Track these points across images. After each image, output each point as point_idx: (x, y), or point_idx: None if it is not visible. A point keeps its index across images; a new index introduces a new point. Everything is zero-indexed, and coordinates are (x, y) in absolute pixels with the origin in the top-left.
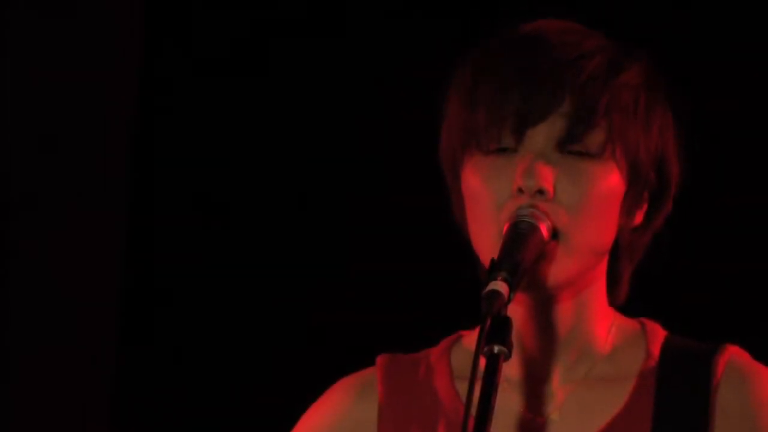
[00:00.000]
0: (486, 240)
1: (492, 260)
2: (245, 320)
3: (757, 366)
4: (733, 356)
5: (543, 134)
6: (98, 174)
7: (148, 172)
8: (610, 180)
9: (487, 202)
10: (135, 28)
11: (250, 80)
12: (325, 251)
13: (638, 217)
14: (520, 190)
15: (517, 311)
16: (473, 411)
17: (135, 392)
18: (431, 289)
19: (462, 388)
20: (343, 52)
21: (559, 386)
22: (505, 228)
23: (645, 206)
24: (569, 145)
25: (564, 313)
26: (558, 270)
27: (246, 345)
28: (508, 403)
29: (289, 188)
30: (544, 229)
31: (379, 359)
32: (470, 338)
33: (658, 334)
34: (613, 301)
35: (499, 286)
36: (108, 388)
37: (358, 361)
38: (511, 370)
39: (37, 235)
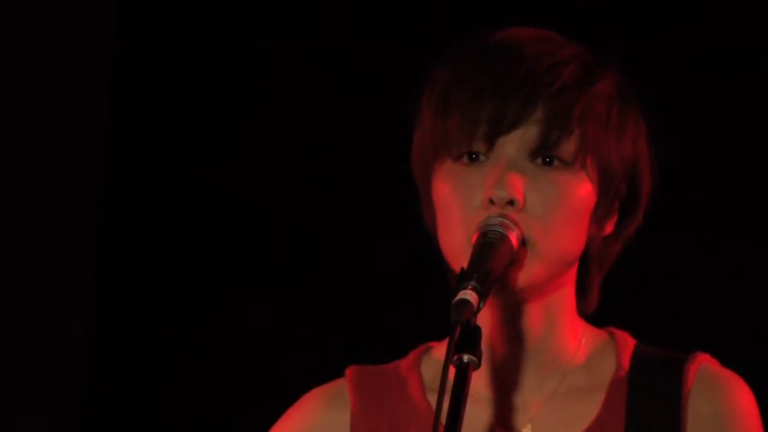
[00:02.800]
0: (455, 248)
1: (462, 269)
2: (215, 326)
3: (727, 373)
4: (704, 364)
5: (515, 142)
6: (69, 176)
7: (118, 182)
8: (581, 190)
9: (457, 210)
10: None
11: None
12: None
13: (609, 227)
14: (491, 201)
15: (485, 317)
16: (443, 420)
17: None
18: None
19: (433, 399)
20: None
21: (530, 399)
22: (474, 237)
23: (615, 216)
24: (541, 154)
25: (532, 318)
26: (526, 274)
27: (215, 352)
28: (479, 416)
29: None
30: (514, 239)
31: (348, 371)
32: (440, 349)
33: (628, 343)
34: (582, 310)
35: (469, 295)
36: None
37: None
38: (482, 383)
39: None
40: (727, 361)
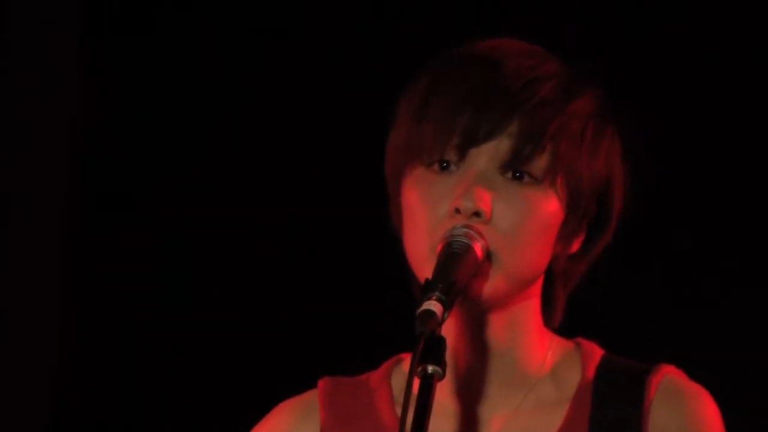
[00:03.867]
0: (419, 255)
1: (426, 280)
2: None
3: (691, 385)
4: (667, 376)
5: (487, 155)
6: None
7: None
8: (549, 207)
9: (423, 218)
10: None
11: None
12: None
13: (575, 246)
14: (457, 211)
15: (449, 329)
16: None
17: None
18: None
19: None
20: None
21: (495, 412)
22: (439, 247)
23: (583, 235)
24: (511, 169)
25: (497, 330)
26: (489, 287)
27: (191, 357)
28: (446, 429)
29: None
30: (479, 249)
31: (321, 383)
32: (409, 361)
33: (595, 353)
34: (548, 324)
35: (433, 305)
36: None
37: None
38: (447, 395)
39: None
40: (697, 375)
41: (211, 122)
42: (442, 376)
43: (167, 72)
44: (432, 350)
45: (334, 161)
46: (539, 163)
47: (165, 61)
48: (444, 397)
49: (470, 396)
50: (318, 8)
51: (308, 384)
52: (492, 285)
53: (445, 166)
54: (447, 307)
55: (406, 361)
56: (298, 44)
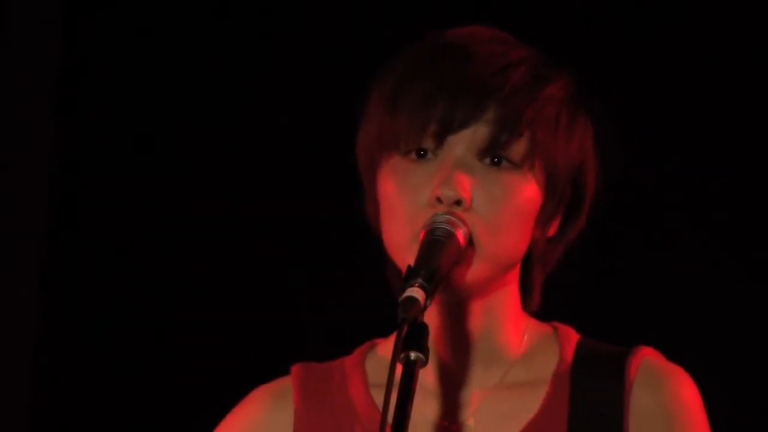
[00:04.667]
0: (400, 244)
1: (409, 267)
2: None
3: (670, 366)
4: (647, 357)
5: (464, 142)
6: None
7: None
8: (528, 192)
9: (402, 207)
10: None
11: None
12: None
13: (552, 229)
14: (438, 200)
15: (430, 314)
16: (390, 419)
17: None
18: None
19: (377, 395)
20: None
21: (473, 392)
22: (421, 235)
23: (559, 219)
24: (489, 154)
25: (475, 315)
26: (470, 274)
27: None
28: (424, 411)
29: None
30: (461, 236)
31: (294, 368)
32: (385, 346)
33: (572, 337)
34: (526, 308)
35: (416, 292)
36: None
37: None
38: (426, 377)
39: None
40: (677, 356)
41: (210, 122)
42: (424, 363)
43: (167, 72)
44: (415, 337)
45: (334, 161)
46: (517, 149)
47: (164, 60)
48: (423, 378)
49: (448, 378)
50: (318, 8)
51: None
52: (474, 272)
53: (422, 154)
54: (429, 294)
55: (380, 345)
56: (297, 43)
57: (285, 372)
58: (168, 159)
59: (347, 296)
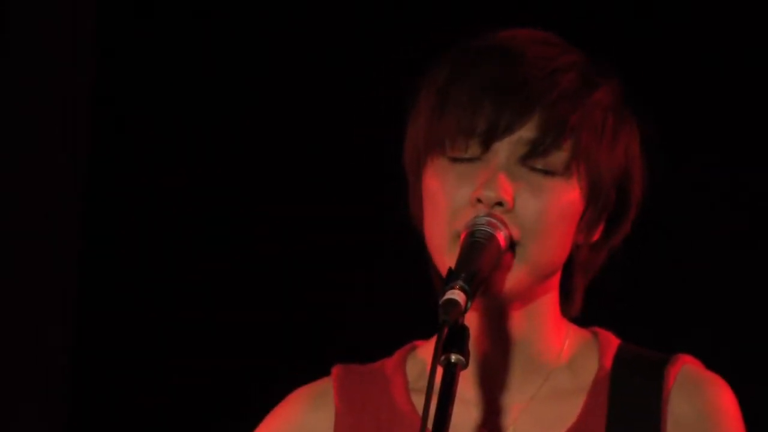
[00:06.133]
0: (440, 244)
1: (449, 269)
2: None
3: (709, 375)
4: (686, 366)
5: (509, 145)
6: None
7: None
8: (570, 197)
9: (444, 207)
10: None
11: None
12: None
13: (595, 235)
14: (479, 200)
15: (470, 320)
16: (429, 424)
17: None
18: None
19: (418, 400)
20: None
21: (514, 400)
22: (462, 236)
23: (603, 225)
24: (533, 159)
25: (516, 321)
26: (511, 280)
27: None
28: (464, 418)
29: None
30: (501, 239)
31: (335, 370)
32: (425, 349)
33: (612, 343)
34: (566, 314)
35: (457, 294)
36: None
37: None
38: (466, 384)
39: None
40: (714, 364)
41: (210, 122)
42: (465, 365)
43: (166, 72)
44: (455, 339)
45: (333, 161)
46: (560, 155)
47: (166, 59)
48: (462, 385)
49: (488, 385)
50: (319, 7)
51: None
52: (514, 277)
53: (467, 157)
54: (470, 296)
55: (421, 348)
56: (298, 43)
57: (293, 375)
58: (170, 159)
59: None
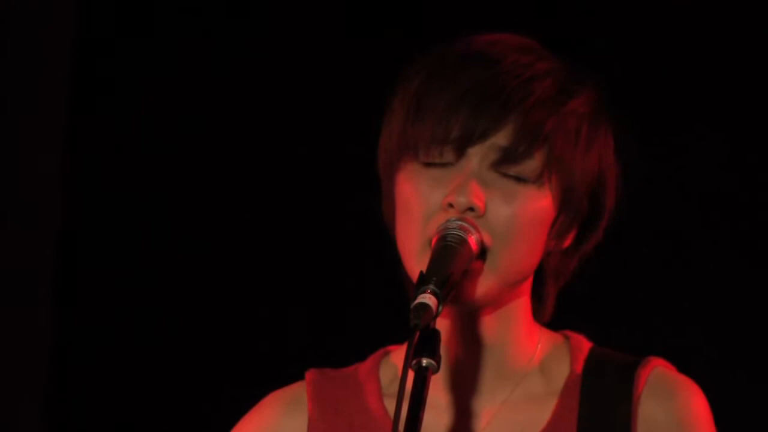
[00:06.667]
0: (411, 250)
1: (421, 273)
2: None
3: (680, 378)
4: (657, 368)
5: (482, 153)
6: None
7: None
8: (542, 204)
9: (416, 212)
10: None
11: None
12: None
13: (566, 242)
14: (450, 205)
15: (441, 324)
16: (401, 427)
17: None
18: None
19: (391, 404)
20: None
21: (486, 405)
22: (433, 240)
23: (575, 231)
24: (506, 166)
25: (488, 326)
26: (483, 287)
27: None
28: (437, 423)
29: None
30: (473, 242)
31: (308, 375)
32: (398, 353)
33: (583, 347)
34: (539, 319)
35: (428, 299)
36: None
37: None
38: (438, 388)
39: None
40: (687, 367)
41: (211, 121)
42: (436, 370)
43: (165, 70)
44: (427, 343)
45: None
46: (534, 162)
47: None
48: (434, 389)
49: (460, 388)
50: (310, 10)
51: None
52: (485, 285)
53: (440, 162)
54: (441, 300)
55: (394, 353)
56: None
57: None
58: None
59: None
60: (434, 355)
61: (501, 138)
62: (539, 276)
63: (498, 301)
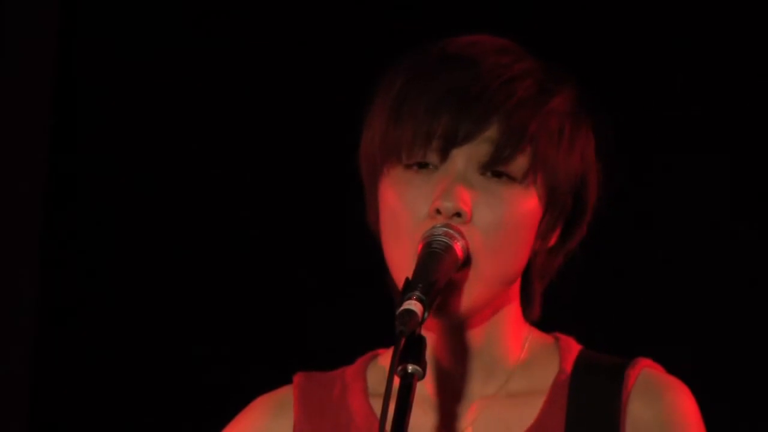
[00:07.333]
0: (400, 257)
1: (406, 279)
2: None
3: (668, 378)
4: (645, 369)
5: (466, 155)
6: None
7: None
8: (528, 206)
9: (403, 220)
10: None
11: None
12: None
13: (552, 240)
14: (438, 211)
15: (429, 335)
16: (388, 429)
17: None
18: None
19: (377, 406)
20: None
21: (472, 402)
22: (419, 247)
23: (559, 229)
24: (491, 169)
25: (475, 334)
26: (469, 298)
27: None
28: (423, 421)
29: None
30: (459, 249)
31: (296, 378)
32: (386, 357)
33: (572, 348)
34: (527, 318)
35: (414, 305)
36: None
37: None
38: (425, 387)
39: None
40: (678, 368)
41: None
42: (422, 376)
43: (165, 70)
44: (412, 349)
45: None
46: (518, 163)
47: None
48: (421, 389)
49: (447, 389)
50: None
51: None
52: (471, 292)
53: (424, 166)
54: (427, 306)
55: (382, 356)
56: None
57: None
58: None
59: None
60: (420, 361)
61: (486, 139)
62: (526, 276)
63: (485, 310)
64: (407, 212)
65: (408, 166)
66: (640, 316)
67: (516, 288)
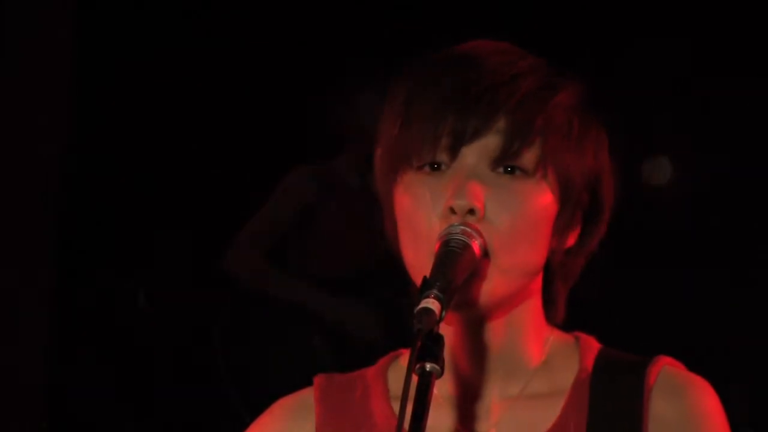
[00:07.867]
0: (418, 259)
1: (424, 278)
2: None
3: (690, 376)
4: (666, 367)
5: (476, 152)
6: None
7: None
8: (542, 200)
9: (419, 222)
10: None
11: None
12: None
13: (571, 239)
14: (452, 210)
15: (449, 330)
16: (406, 428)
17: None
18: None
19: (397, 406)
20: None
21: (494, 403)
22: (436, 246)
23: (578, 229)
24: (502, 164)
25: (496, 331)
26: (489, 289)
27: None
28: (444, 421)
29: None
30: (476, 247)
31: (317, 380)
32: (407, 356)
33: (593, 347)
34: (550, 320)
35: (431, 303)
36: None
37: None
38: (446, 387)
39: None
40: (699, 367)
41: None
42: (440, 374)
43: (164, 69)
44: (430, 348)
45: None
46: (528, 157)
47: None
48: (441, 389)
49: (467, 389)
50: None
51: None
52: (491, 284)
53: (435, 167)
54: (445, 304)
55: (404, 356)
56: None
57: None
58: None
59: None
60: (437, 359)
61: (493, 136)
62: (547, 276)
63: (505, 304)
64: (422, 213)
65: (419, 168)
66: (659, 316)
67: (537, 288)
